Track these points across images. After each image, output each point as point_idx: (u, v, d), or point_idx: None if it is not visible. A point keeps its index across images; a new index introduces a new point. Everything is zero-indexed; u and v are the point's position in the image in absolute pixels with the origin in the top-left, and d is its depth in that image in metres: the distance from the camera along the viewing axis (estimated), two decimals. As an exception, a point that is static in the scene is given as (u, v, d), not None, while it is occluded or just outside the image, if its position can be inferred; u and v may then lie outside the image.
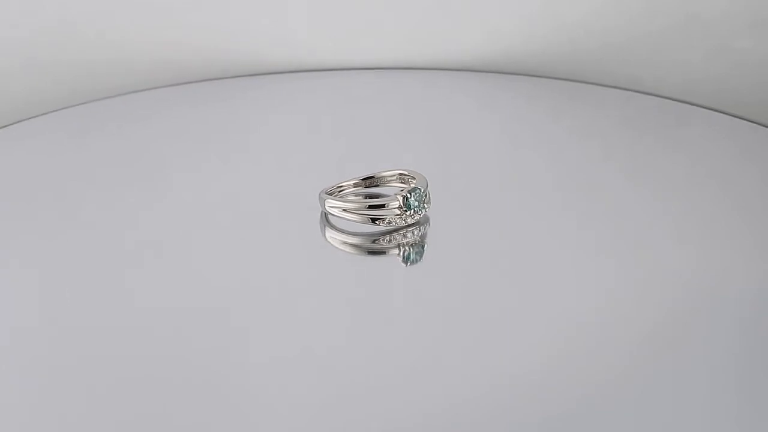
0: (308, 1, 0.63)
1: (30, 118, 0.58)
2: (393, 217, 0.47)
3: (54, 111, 0.59)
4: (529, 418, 0.39)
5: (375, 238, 0.47)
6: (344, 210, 0.47)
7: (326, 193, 0.48)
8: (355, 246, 0.47)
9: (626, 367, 0.42)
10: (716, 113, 0.58)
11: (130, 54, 0.62)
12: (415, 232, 0.47)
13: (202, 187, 0.52)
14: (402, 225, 0.47)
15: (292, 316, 0.44)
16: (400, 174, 0.49)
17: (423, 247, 0.47)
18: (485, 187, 0.52)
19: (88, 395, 0.40)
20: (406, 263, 0.46)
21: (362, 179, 0.49)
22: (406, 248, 0.47)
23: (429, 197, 0.48)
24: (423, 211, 0.47)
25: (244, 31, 0.63)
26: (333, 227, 0.48)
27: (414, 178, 0.48)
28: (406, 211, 0.47)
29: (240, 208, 0.50)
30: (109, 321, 0.43)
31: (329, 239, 0.48)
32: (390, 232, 0.47)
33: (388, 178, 0.49)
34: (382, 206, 0.47)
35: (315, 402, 0.40)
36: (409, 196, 0.47)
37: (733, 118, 0.58)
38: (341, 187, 0.49)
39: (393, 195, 0.47)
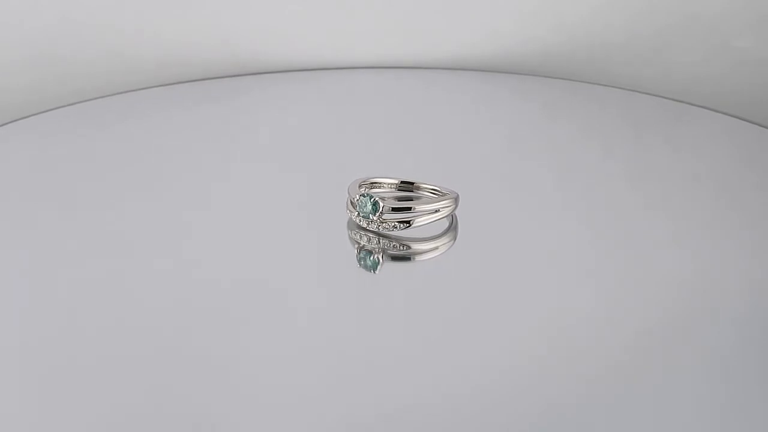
0: (308, 1, 0.63)
1: (31, 115, 0.58)
2: (354, 217, 0.47)
3: (55, 109, 0.59)
4: (529, 416, 0.39)
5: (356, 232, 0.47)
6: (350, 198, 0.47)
7: (358, 185, 0.48)
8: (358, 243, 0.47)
9: (625, 367, 0.42)
10: (716, 113, 0.58)
11: (131, 53, 0.62)
12: (380, 241, 0.47)
13: (203, 185, 0.52)
14: (360, 227, 0.47)
15: (293, 313, 0.44)
16: (433, 189, 0.49)
17: (372, 256, 0.47)
18: (485, 186, 0.52)
19: (97, 392, 0.40)
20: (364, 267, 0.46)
21: (401, 182, 0.49)
22: (361, 254, 0.47)
23: (443, 204, 0.47)
24: (375, 220, 0.47)
25: (244, 31, 0.63)
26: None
27: (445, 195, 0.48)
28: (358, 213, 0.47)
29: (240, 207, 0.50)
30: (112, 321, 0.43)
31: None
32: (363, 230, 0.47)
33: (423, 188, 0.49)
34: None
35: (315, 397, 0.40)
36: (363, 200, 0.46)
37: (733, 118, 0.58)
38: (375, 182, 0.49)
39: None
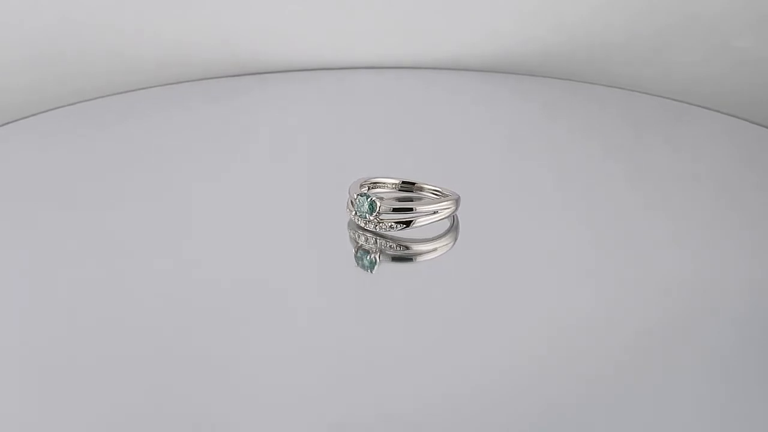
0: (308, 1, 0.63)
1: (31, 115, 0.58)
2: (352, 216, 0.47)
3: (55, 109, 0.59)
4: (529, 416, 0.39)
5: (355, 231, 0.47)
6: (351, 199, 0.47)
7: (359, 185, 0.48)
8: (356, 242, 0.47)
9: (625, 367, 0.42)
10: (716, 113, 0.58)
11: (131, 53, 0.62)
12: (377, 241, 0.47)
13: (203, 185, 0.52)
14: (357, 226, 0.47)
15: (293, 313, 0.44)
16: (435, 189, 0.48)
17: (369, 256, 0.47)
18: (484, 186, 0.52)
19: (97, 392, 0.40)
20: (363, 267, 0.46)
21: (403, 182, 0.49)
22: (359, 253, 0.47)
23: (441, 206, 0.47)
24: (372, 220, 0.46)
25: (244, 31, 0.63)
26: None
27: (446, 196, 0.48)
28: (356, 213, 0.47)
29: (240, 207, 0.50)
30: (111, 321, 0.43)
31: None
32: (360, 229, 0.47)
33: (425, 188, 0.49)
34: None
35: (315, 397, 0.40)
36: (361, 200, 0.46)
37: (733, 118, 0.58)
38: (376, 182, 0.48)
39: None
